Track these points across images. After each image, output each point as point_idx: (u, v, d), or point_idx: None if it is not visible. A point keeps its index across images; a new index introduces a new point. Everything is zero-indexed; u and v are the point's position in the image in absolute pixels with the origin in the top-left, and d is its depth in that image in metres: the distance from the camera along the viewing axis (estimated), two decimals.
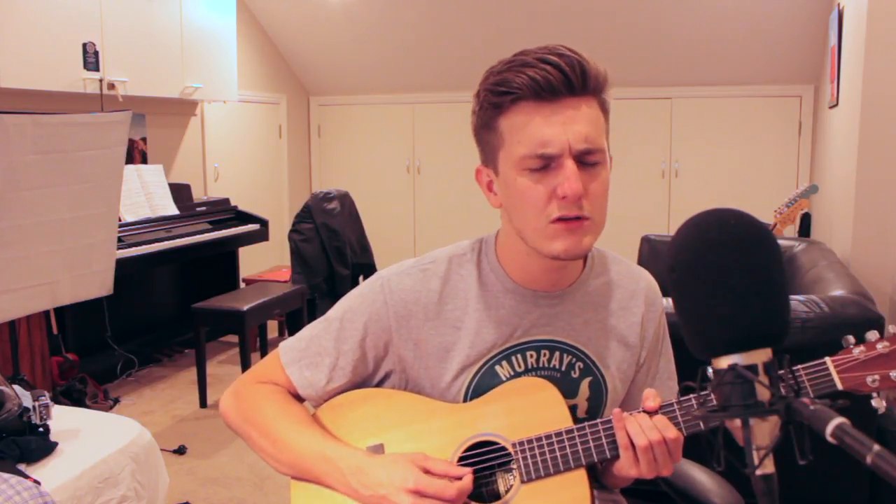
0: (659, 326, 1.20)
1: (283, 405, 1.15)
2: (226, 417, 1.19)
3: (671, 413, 1.00)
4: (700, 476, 1.29)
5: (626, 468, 1.00)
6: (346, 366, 1.14)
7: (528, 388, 1.09)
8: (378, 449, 1.10)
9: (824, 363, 0.93)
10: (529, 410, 1.07)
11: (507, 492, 1.05)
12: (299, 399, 1.18)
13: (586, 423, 1.04)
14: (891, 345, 0.89)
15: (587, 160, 1.00)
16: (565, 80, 0.98)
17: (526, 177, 1.01)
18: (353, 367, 1.14)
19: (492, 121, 1.03)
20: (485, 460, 1.07)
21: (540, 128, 0.98)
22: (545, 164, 0.99)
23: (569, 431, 1.04)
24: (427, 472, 1.02)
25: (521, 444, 1.05)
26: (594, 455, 1.02)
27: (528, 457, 1.04)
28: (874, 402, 0.91)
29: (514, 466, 1.05)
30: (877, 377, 0.89)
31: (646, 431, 0.98)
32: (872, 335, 0.90)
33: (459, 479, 1.02)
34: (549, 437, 1.04)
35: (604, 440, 1.02)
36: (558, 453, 1.03)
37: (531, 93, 0.98)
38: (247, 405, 1.16)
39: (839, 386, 0.91)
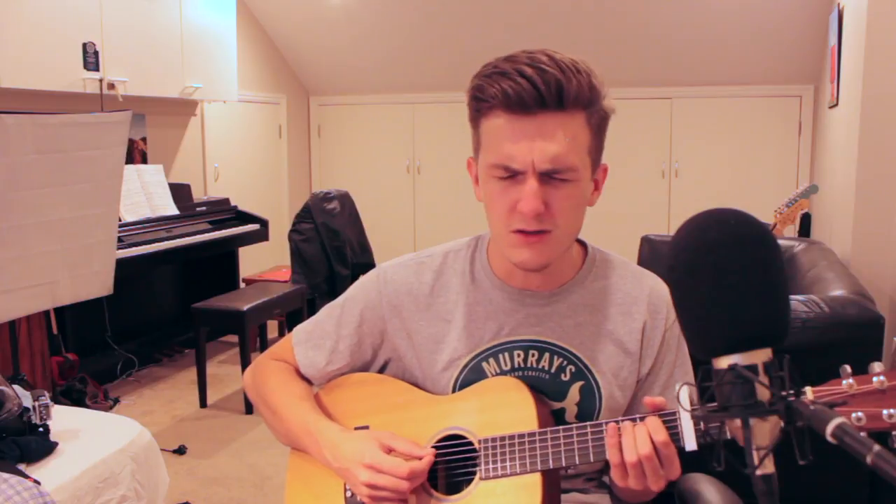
0: (667, 334, 1.14)
1: (285, 380, 1.22)
2: (246, 389, 1.31)
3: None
4: (709, 491, 1.27)
5: (617, 479, 0.98)
6: (345, 350, 1.21)
7: (501, 387, 1.10)
8: (364, 430, 1.15)
9: (804, 392, 0.79)
10: (499, 409, 1.08)
11: (466, 486, 1.07)
12: (306, 378, 1.25)
13: (548, 430, 1.02)
14: (889, 380, 0.77)
15: (554, 177, 1.00)
16: (538, 95, 0.96)
17: (493, 183, 1.03)
18: (350, 351, 1.20)
19: (475, 121, 1.06)
20: (453, 453, 1.09)
21: (507, 141, 0.99)
22: (510, 174, 1.00)
23: (531, 435, 1.03)
24: (391, 450, 1.07)
25: (486, 441, 1.06)
26: (550, 462, 1.01)
27: (490, 455, 1.05)
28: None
29: (478, 462, 1.07)
30: (862, 415, 0.76)
31: (638, 446, 0.94)
32: (877, 367, 0.79)
33: (421, 458, 1.05)
34: (511, 437, 1.04)
35: (562, 448, 1.00)
36: (517, 455, 1.03)
37: (502, 105, 0.98)
38: (259, 378, 1.26)
39: None
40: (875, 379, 0.77)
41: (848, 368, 0.80)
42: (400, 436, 1.09)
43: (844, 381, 0.79)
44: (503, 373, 1.12)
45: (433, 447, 1.10)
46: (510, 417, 1.06)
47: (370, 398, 1.18)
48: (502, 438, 1.05)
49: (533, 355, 1.12)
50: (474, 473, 1.07)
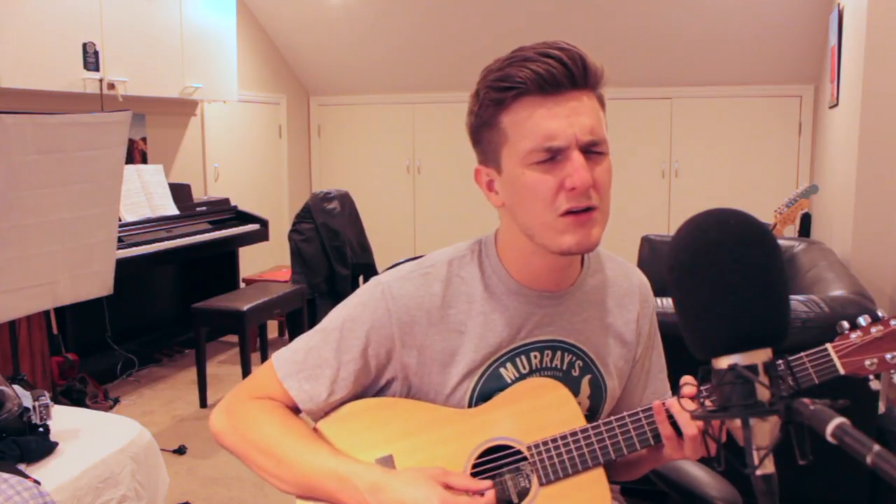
0: (652, 323, 1.21)
1: (283, 421, 1.10)
2: (219, 437, 1.13)
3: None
4: (695, 471, 1.29)
5: (671, 451, 1.02)
6: (348, 377, 1.10)
7: (537, 390, 1.08)
8: (387, 461, 1.07)
9: (825, 349, 0.95)
10: (541, 412, 1.06)
11: (525, 496, 1.04)
12: (297, 412, 1.14)
13: (600, 422, 1.03)
14: (884, 328, 0.93)
15: (592, 150, 1.00)
16: (568, 72, 0.98)
17: (533, 170, 1.00)
18: (354, 377, 1.10)
19: (493, 118, 1.02)
20: (499, 465, 1.06)
21: (545, 121, 0.98)
22: (552, 156, 0.99)
23: (584, 430, 1.03)
24: (448, 487, 1.01)
25: (537, 446, 1.04)
26: (611, 453, 1.03)
27: (546, 459, 1.04)
28: (872, 385, 0.95)
29: (531, 470, 1.04)
30: (875, 360, 0.93)
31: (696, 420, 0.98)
32: (865, 319, 0.94)
33: (481, 493, 1.01)
34: (564, 437, 1.03)
35: (620, 437, 1.02)
36: (575, 453, 1.03)
37: (535, 86, 0.98)
38: (244, 423, 1.11)
39: (841, 370, 0.95)
40: (873, 329, 0.94)
41: (845, 324, 0.95)
42: (451, 471, 1.04)
43: (853, 335, 0.94)
44: (522, 376, 1.10)
45: (474, 466, 1.06)
46: (556, 418, 1.05)
47: (385, 424, 1.09)
48: (554, 440, 1.04)
49: (547, 355, 1.12)
50: (522, 482, 1.05)
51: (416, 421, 1.08)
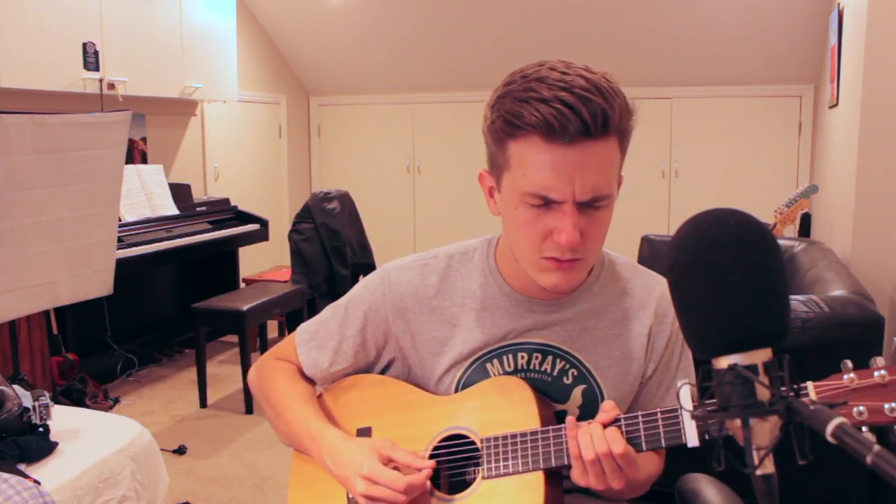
0: (671, 339, 1.15)
1: (289, 381, 1.23)
2: (251, 387, 1.31)
3: (633, 425, 0.98)
4: (712, 495, 1.27)
5: (577, 477, 0.99)
6: (348, 350, 1.20)
7: (503, 387, 1.10)
8: (366, 431, 1.17)
9: (805, 388, 0.82)
10: (501, 408, 1.08)
11: (469, 485, 1.07)
12: (310, 378, 1.25)
13: (550, 428, 1.03)
14: (889, 375, 0.77)
15: (590, 205, 0.98)
16: (582, 126, 0.92)
17: (524, 210, 0.99)
18: (354, 352, 1.20)
19: (502, 141, 0.99)
20: (456, 453, 1.10)
21: (544, 170, 0.94)
22: (545, 203, 0.97)
23: (533, 433, 1.03)
24: (391, 460, 1.07)
25: (489, 440, 1.06)
26: (552, 460, 1.01)
27: (492, 454, 1.05)
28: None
29: (480, 462, 1.07)
30: (863, 409, 0.77)
31: (594, 443, 0.95)
32: (879, 361, 0.79)
33: (420, 470, 1.05)
34: (514, 436, 1.04)
35: (564, 446, 1.01)
36: (519, 454, 1.04)
37: (542, 133, 0.93)
38: (263, 379, 1.26)
39: None
40: (876, 373, 0.78)
41: (849, 363, 0.80)
42: (400, 446, 1.08)
43: (846, 376, 0.79)
44: (506, 373, 1.12)
45: (434, 449, 1.10)
46: (512, 416, 1.07)
47: (373, 399, 1.19)
48: (504, 437, 1.05)
49: (536, 358, 1.12)
50: (477, 473, 1.08)
51: (399, 400, 1.17)
